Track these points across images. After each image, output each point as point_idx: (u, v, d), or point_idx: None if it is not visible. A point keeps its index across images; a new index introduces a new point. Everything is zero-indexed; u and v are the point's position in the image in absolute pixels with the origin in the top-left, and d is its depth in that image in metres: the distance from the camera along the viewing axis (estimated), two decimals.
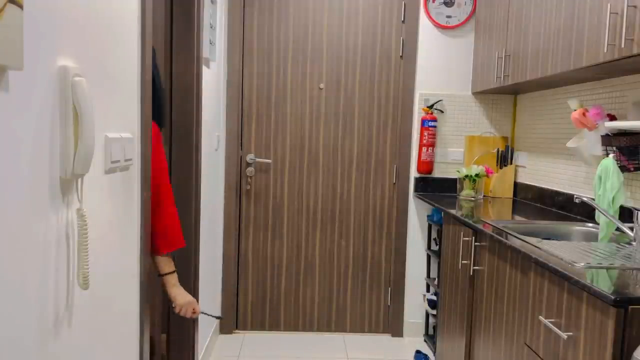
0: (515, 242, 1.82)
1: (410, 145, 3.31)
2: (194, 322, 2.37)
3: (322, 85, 3.28)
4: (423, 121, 3.23)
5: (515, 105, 3.31)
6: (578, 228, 2.25)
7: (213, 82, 2.86)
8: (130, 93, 1.48)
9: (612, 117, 2.20)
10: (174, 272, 1.77)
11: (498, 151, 3.28)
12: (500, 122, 3.32)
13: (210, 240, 2.93)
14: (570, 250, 1.68)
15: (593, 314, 1.34)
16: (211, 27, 2.63)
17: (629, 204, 2.16)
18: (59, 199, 1.07)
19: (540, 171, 2.96)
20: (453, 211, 2.55)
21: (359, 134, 3.33)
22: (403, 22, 3.27)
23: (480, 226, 2.16)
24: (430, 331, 3.36)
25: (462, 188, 3.14)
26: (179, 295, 1.78)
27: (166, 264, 1.77)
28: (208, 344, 2.92)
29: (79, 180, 1.13)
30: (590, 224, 2.25)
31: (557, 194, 2.73)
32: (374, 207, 3.37)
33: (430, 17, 3.24)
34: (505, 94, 3.29)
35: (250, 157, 3.29)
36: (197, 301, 2.44)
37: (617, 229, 1.95)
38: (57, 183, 1.06)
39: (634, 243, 1.81)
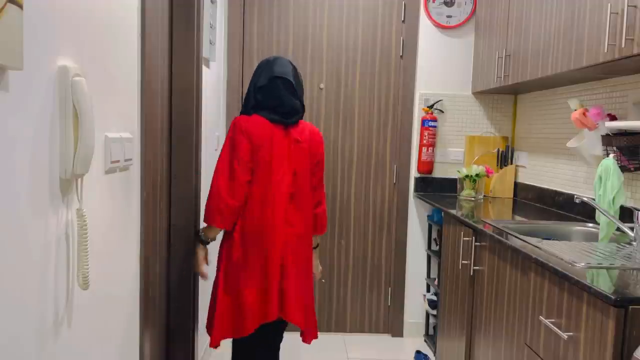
0: (516, 242, 1.82)
1: (410, 145, 3.31)
2: (193, 322, 2.37)
3: (322, 85, 3.28)
4: (423, 121, 3.23)
5: (515, 105, 3.31)
6: (578, 228, 2.25)
7: (213, 82, 2.86)
8: (130, 93, 1.48)
9: (612, 117, 2.20)
10: (317, 246, 2.33)
11: (498, 151, 3.28)
12: (500, 122, 3.32)
13: None
14: (571, 250, 1.68)
15: (593, 314, 1.34)
16: (211, 27, 2.63)
17: (629, 204, 2.16)
18: (59, 199, 1.07)
19: (540, 171, 2.96)
20: (453, 211, 2.55)
21: (359, 134, 3.33)
22: (403, 22, 3.26)
23: (480, 226, 2.16)
24: (431, 331, 3.35)
25: (462, 188, 3.14)
26: (317, 265, 2.37)
27: (315, 240, 2.29)
28: (208, 344, 2.91)
29: (79, 180, 1.13)
30: (591, 224, 2.25)
31: (557, 194, 2.72)
32: (374, 207, 3.37)
33: (430, 17, 3.24)
34: (505, 94, 3.29)
35: None
36: (198, 301, 2.45)
37: (618, 229, 1.95)
38: (57, 183, 1.06)
39: (634, 243, 1.81)
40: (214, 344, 2.04)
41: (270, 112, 2.01)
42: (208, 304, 2.22)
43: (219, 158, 2.00)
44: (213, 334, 2.04)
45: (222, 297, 2.02)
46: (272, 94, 2.01)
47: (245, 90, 3.26)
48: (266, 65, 2.06)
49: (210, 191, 2.00)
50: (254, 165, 1.98)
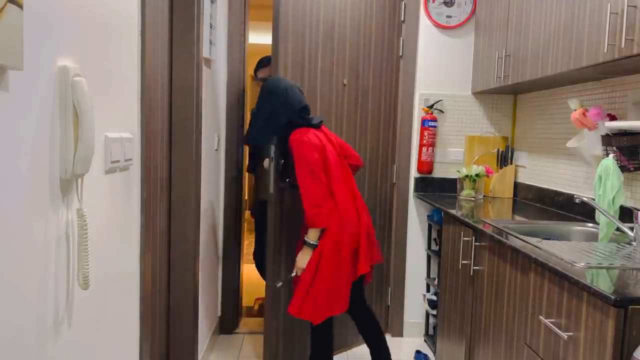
0: (516, 242, 1.82)
1: (410, 145, 3.31)
2: (194, 322, 2.37)
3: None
4: (423, 121, 3.23)
5: (515, 105, 3.31)
6: (578, 228, 2.25)
7: (213, 82, 2.86)
8: (130, 93, 1.48)
9: (612, 117, 2.20)
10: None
11: (498, 151, 3.28)
12: (500, 122, 3.32)
13: (211, 240, 2.93)
14: (570, 250, 1.68)
15: (593, 314, 1.34)
16: (211, 27, 2.63)
17: (629, 204, 2.16)
18: (59, 199, 1.07)
19: (540, 171, 2.96)
20: (453, 211, 2.55)
21: (359, 134, 3.32)
22: (403, 22, 3.27)
23: (480, 226, 2.16)
24: (430, 331, 3.36)
25: (462, 188, 3.14)
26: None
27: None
28: (208, 344, 2.91)
29: (79, 180, 1.13)
30: (590, 224, 2.25)
31: (557, 194, 2.72)
32: (374, 207, 3.37)
33: (430, 17, 3.24)
34: (505, 94, 3.29)
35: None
36: (198, 301, 2.45)
37: (617, 229, 1.95)
38: (57, 183, 1.06)
39: (634, 243, 1.81)
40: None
41: None
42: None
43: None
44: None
45: None
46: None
47: (245, 91, 3.26)
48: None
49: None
50: None
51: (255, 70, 3.23)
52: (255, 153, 2.48)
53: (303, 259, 2.32)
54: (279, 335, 2.71)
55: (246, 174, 3.51)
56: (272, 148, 2.57)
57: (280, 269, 2.68)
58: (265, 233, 3.16)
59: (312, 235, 2.30)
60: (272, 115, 2.38)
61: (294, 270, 2.38)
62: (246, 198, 3.28)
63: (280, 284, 2.56)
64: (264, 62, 3.18)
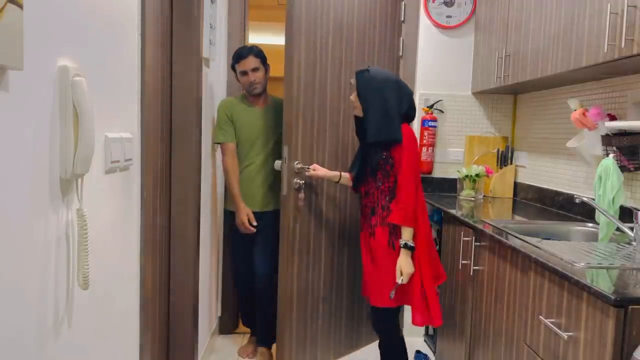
0: (516, 242, 1.82)
1: None
2: (193, 322, 2.37)
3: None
4: (423, 121, 3.23)
5: (515, 105, 3.31)
6: (578, 228, 2.25)
7: (213, 82, 2.86)
8: (130, 93, 1.48)
9: (612, 117, 2.20)
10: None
11: (498, 151, 3.28)
12: (500, 122, 3.32)
13: (211, 240, 2.93)
14: (570, 250, 1.68)
15: (593, 314, 1.34)
16: (211, 27, 2.63)
17: (629, 204, 2.16)
18: (59, 199, 1.07)
19: (540, 171, 2.96)
20: (453, 211, 2.55)
21: None
22: (403, 22, 3.26)
23: (480, 226, 2.16)
24: (430, 331, 3.35)
25: (462, 188, 3.14)
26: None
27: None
28: (208, 344, 2.91)
29: (79, 180, 1.13)
30: (590, 224, 2.25)
31: (557, 194, 2.72)
32: None
33: (430, 17, 3.24)
34: (505, 94, 3.29)
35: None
36: (198, 301, 2.45)
37: (617, 229, 1.95)
38: (57, 183, 1.06)
39: (634, 243, 1.81)
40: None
41: None
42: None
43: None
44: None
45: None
46: None
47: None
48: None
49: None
50: None
51: (234, 64, 2.86)
52: (367, 155, 2.29)
53: (407, 263, 2.18)
54: (292, 346, 2.71)
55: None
56: (285, 149, 2.55)
57: (292, 275, 2.68)
58: (237, 255, 3.11)
59: (408, 236, 2.20)
60: (399, 107, 2.23)
61: (400, 278, 2.19)
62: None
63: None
64: (242, 55, 2.81)
